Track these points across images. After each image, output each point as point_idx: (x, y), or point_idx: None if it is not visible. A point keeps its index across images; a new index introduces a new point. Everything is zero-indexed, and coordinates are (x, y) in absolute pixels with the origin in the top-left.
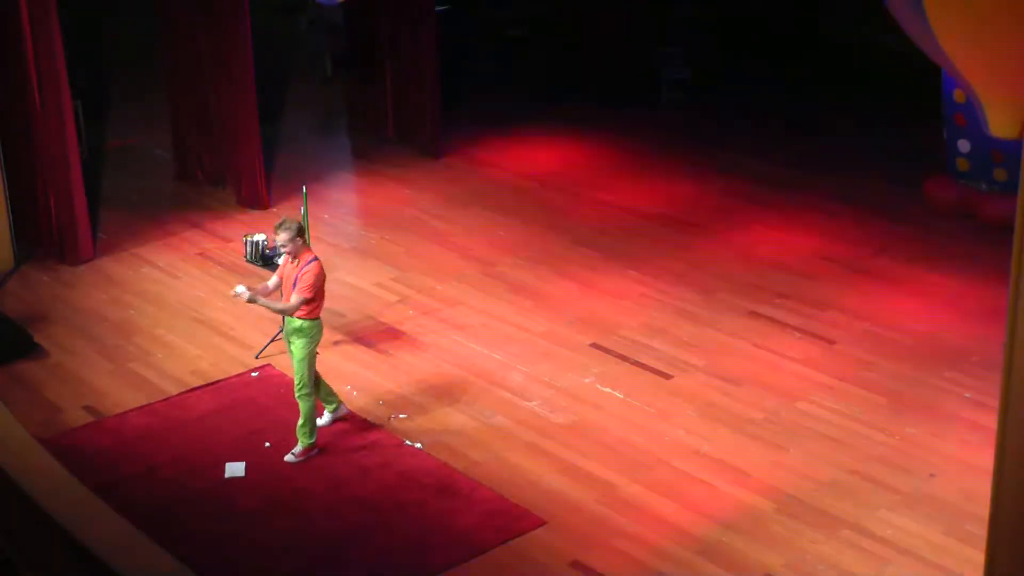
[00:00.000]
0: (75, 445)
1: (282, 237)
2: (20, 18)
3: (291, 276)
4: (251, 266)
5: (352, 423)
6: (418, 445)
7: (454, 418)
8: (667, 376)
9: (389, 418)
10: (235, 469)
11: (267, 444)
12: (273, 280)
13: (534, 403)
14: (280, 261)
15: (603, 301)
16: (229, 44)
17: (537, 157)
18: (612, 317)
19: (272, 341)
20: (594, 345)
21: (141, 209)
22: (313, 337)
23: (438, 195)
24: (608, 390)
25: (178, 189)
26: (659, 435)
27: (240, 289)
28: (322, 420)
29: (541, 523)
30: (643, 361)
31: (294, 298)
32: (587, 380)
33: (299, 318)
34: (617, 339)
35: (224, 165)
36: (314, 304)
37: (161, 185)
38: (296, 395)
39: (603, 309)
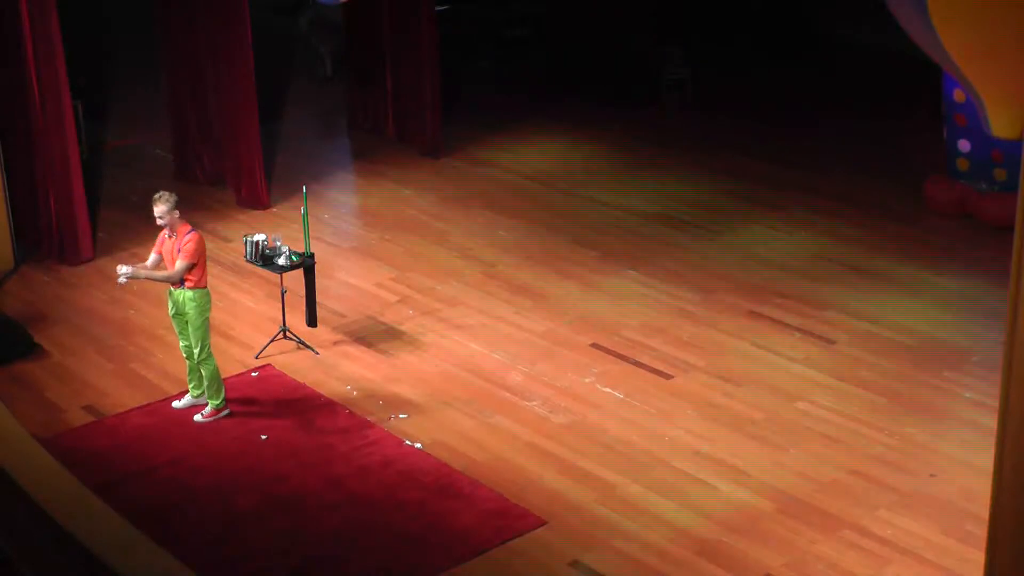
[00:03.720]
0: (75, 445)
1: (160, 209)
2: (20, 18)
3: (172, 249)
4: (251, 266)
5: (352, 423)
6: (418, 445)
7: (454, 418)
8: (667, 376)
9: (389, 418)
10: None
11: (263, 437)
12: (152, 257)
13: (534, 403)
14: (282, 262)
15: (603, 301)
16: (229, 44)
17: (537, 157)
18: (612, 317)
19: (272, 341)
20: (594, 345)
21: (141, 209)
22: (204, 305)
23: (438, 195)
24: (608, 390)
25: (178, 189)
26: (659, 435)
27: (122, 270)
28: (180, 403)
29: (541, 523)
30: (643, 361)
31: (179, 264)
32: (587, 380)
33: (189, 288)
34: (617, 339)
35: (224, 165)
36: (200, 273)
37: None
38: (198, 361)
39: (603, 309)
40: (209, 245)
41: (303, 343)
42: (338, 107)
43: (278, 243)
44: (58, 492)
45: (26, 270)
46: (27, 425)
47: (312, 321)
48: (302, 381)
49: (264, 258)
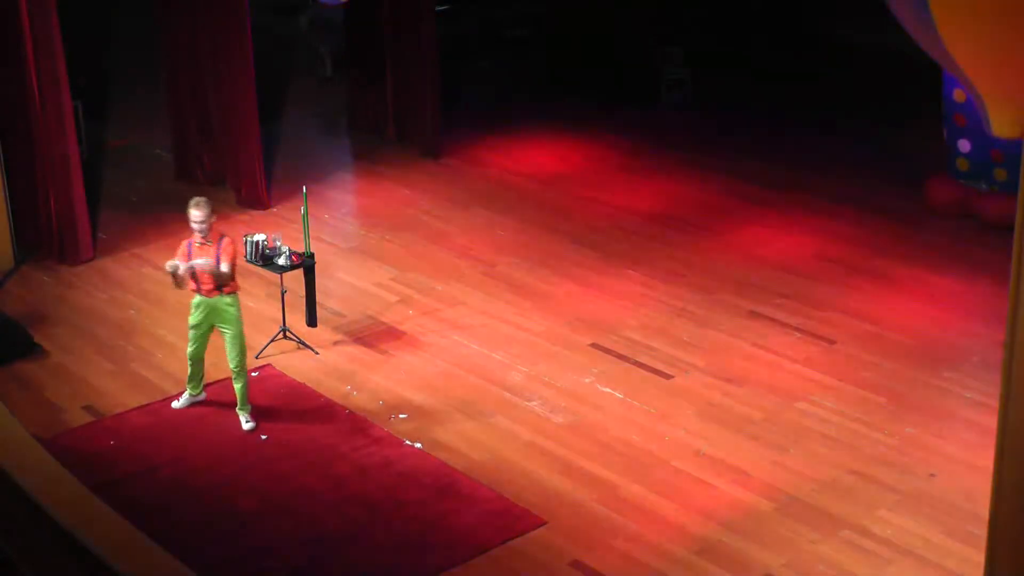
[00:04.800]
0: (75, 445)
1: (202, 213)
2: (20, 18)
3: (208, 255)
4: (251, 266)
5: (352, 423)
6: (418, 445)
7: (454, 418)
8: (667, 376)
9: (389, 418)
10: None
11: (263, 437)
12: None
13: (534, 403)
14: (283, 262)
15: (603, 301)
16: (229, 44)
17: (537, 157)
18: (612, 317)
19: (272, 341)
20: (594, 345)
21: (141, 209)
22: (239, 308)
23: (438, 195)
24: (608, 390)
25: (178, 189)
26: (659, 435)
27: (205, 265)
28: (178, 403)
29: (541, 523)
30: (643, 361)
31: (227, 266)
32: (587, 380)
33: (227, 294)
34: (617, 339)
35: (224, 165)
36: (236, 275)
37: (161, 185)
38: (237, 370)
39: (603, 309)
40: None
41: (303, 343)
42: (338, 107)
43: (278, 243)
44: (58, 492)
45: (26, 270)
46: (27, 425)
47: (312, 321)
48: (302, 381)
49: (264, 258)
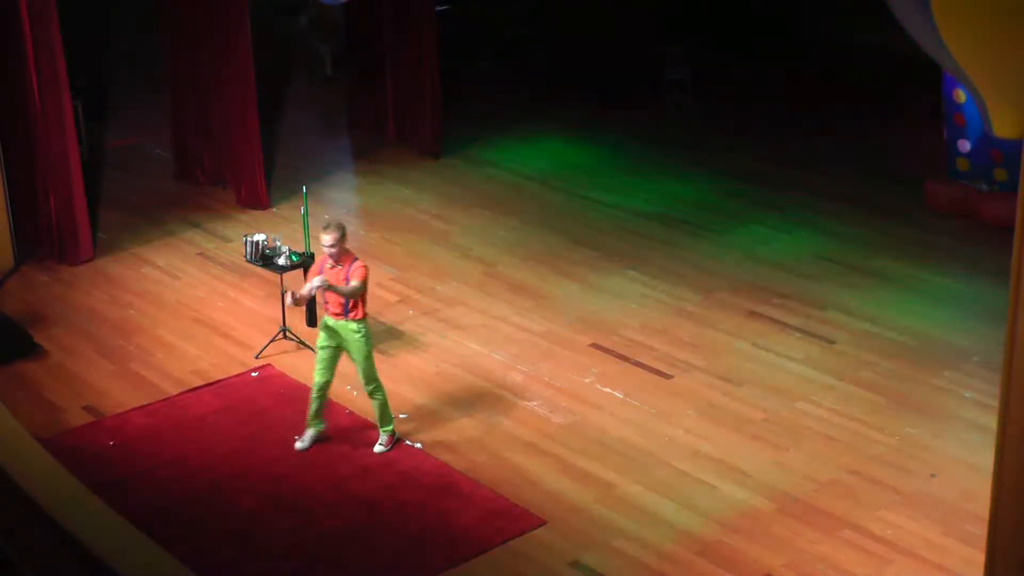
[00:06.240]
0: (75, 445)
1: (332, 237)
2: (20, 18)
3: (337, 278)
4: (251, 266)
5: (352, 423)
6: (418, 445)
7: (454, 418)
8: (667, 376)
9: None
10: None
11: (263, 437)
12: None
13: (534, 403)
14: (282, 262)
15: (603, 301)
16: (229, 44)
17: (537, 157)
18: (612, 317)
19: (272, 341)
20: (594, 345)
21: (141, 209)
22: (368, 335)
23: (438, 195)
24: (608, 390)
25: (178, 189)
26: (659, 435)
27: (318, 282)
28: (303, 443)
29: (541, 523)
30: (643, 361)
31: (354, 283)
32: (587, 380)
33: (353, 320)
34: (617, 339)
35: (224, 165)
36: (364, 301)
37: (161, 185)
38: (369, 393)
39: (603, 309)
40: (209, 245)
41: (303, 343)
42: (338, 107)
43: (278, 243)
44: (58, 492)
45: (26, 270)
46: (27, 425)
47: (312, 321)
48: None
49: (264, 258)
